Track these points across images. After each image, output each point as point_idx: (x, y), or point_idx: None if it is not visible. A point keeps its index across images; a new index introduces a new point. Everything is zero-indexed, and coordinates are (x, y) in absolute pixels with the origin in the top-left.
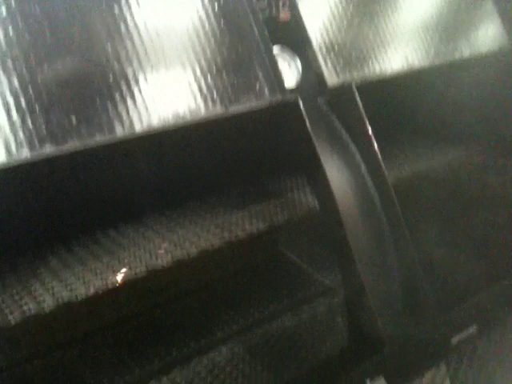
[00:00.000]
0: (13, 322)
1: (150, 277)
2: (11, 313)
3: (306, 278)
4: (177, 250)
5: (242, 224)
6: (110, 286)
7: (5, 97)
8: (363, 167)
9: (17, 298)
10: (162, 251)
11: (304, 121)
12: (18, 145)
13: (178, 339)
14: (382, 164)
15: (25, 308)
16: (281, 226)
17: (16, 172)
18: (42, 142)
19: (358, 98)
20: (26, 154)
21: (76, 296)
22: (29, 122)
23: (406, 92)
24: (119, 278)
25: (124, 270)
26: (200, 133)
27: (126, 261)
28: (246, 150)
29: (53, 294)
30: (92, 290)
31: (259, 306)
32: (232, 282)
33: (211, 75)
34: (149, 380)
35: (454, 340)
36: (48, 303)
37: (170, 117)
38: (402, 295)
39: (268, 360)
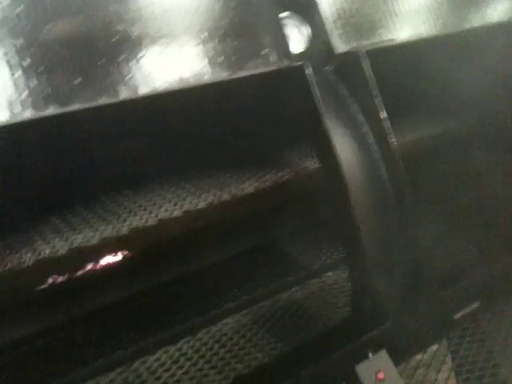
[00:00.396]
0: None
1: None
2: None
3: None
4: (176, 211)
5: (242, 185)
6: (117, 235)
7: (10, 57)
8: (370, 136)
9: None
10: None
11: (310, 88)
12: (23, 105)
13: (186, 312)
14: (390, 134)
15: (24, 258)
16: (279, 187)
17: (20, 131)
18: (46, 102)
19: (365, 66)
20: (30, 113)
21: (71, 244)
22: (33, 82)
23: (414, 61)
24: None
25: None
26: (204, 97)
27: (128, 219)
28: (250, 116)
29: (53, 246)
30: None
31: (266, 279)
32: (238, 259)
33: (217, 39)
34: (156, 350)
35: (457, 316)
36: (44, 252)
37: (175, 80)
38: (407, 271)
39: (274, 330)
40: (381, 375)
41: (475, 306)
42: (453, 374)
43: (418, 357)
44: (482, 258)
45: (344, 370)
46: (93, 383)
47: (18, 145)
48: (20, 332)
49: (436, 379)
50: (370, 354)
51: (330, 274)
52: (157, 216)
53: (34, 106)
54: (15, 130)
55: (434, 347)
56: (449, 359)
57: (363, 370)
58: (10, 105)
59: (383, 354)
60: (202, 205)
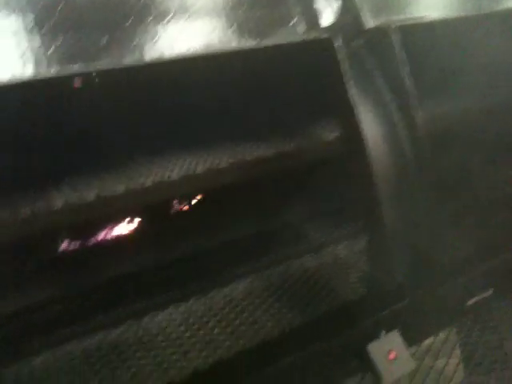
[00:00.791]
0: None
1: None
2: None
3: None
4: (189, 170)
5: (257, 152)
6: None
7: (38, 13)
8: (397, 112)
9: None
10: None
11: (338, 61)
12: (49, 61)
13: (198, 273)
14: (417, 111)
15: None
16: (297, 156)
17: (45, 86)
18: (72, 59)
19: (395, 42)
20: (55, 70)
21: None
22: (60, 39)
23: (443, 39)
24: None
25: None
26: (229, 64)
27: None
28: (276, 86)
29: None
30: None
31: (278, 246)
32: (254, 224)
33: (245, 7)
34: (167, 306)
35: (470, 303)
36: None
37: (201, 45)
38: (420, 253)
39: (285, 299)
40: (392, 355)
41: (488, 293)
42: (462, 360)
43: (429, 341)
44: (499, 245)
45: (356, 348)
46: (102, 336)
47: (40, 100)
48: (37, 289)
49: (446, 364)
50: (383, 334)
51: (344, 244)
52: (169, 177)
53: (60, 63)
54: (39, 85)
55: (446, 332)
56: (458, 346)
57: (375, 348)
58: (37, 60)
59: (395, 334)
60: (214, 166)
